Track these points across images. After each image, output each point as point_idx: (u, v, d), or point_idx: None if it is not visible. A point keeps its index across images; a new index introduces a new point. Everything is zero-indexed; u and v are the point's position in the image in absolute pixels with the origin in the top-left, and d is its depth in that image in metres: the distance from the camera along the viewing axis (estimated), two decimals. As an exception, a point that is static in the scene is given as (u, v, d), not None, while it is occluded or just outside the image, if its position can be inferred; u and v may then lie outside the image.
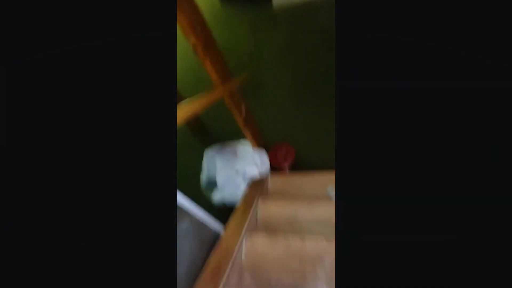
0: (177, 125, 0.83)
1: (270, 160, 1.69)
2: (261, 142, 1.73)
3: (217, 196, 1.61)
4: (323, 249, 1.10)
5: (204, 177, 1.69)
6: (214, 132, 2.23)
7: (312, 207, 1.34)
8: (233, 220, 1.28)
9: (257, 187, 1.49)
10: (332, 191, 1.49)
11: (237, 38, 3.05)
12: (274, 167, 1.71)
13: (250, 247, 1.18)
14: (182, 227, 1.07)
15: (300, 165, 1.72)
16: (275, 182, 1.62)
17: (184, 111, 0.98)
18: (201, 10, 1.03)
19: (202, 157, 1.70)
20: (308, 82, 2.23)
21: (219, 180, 1.56)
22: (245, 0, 3.62)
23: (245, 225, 1.23)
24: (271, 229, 1.33)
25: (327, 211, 1.32)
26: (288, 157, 1.72)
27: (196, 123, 2.29)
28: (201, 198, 1.63)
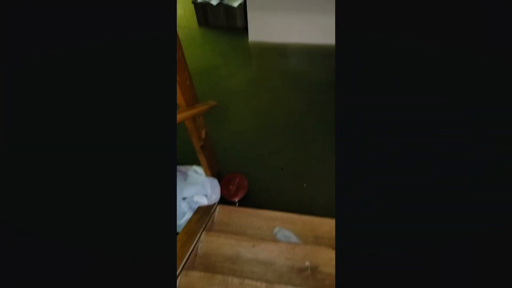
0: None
1: (222, 191, 1.63)
2: (215, 170, 1.67)
3: (157, 222, 1.47)
4: (261, 296, 1.05)
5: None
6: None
7: (256, 248, 1.29)
8: (170, 253, 1.16)
9: (202, 219, 1.40)
10: (279, 233, 1.47)
11: (210, 64, 3.07)
12: (225, 199, 1.65)
13: (185, 285, 1.07)
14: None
15: (252, 200, 1.69)
16: (223, 216, 1.54)
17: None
18: (176, 32, 1.01)
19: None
20: (272, 117, 2.27)
21: (163, 205, 1.44)
22: (222, 28, 3.73)
23: (183, 259, 1.13)
24: (210, 267, 1.24)
25: (271, 253, 1.27)
26: (241, 190, 1.68)
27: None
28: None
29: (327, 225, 1.49)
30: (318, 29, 3.18)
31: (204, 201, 1.50)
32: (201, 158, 1.51)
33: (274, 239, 1.44)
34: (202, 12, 3.72)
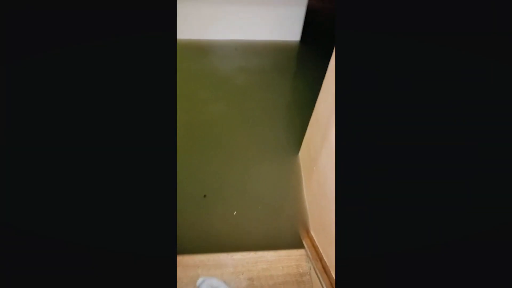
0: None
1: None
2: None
3: None
4: None
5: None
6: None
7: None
8: None
9: None
10: (203, 285, 1.19)
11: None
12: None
13: None
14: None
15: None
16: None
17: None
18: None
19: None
20: (190, 129, 1.91)
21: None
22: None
23: None
24: None
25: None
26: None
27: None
28: None
29: (263, 262, 1.27)
30: (258, 24, 2.87)
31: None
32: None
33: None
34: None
